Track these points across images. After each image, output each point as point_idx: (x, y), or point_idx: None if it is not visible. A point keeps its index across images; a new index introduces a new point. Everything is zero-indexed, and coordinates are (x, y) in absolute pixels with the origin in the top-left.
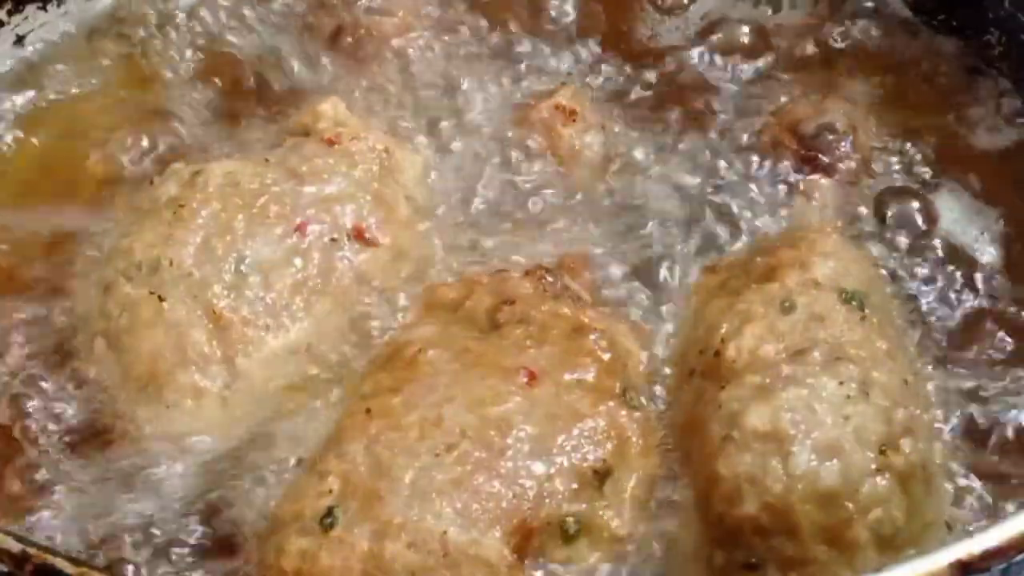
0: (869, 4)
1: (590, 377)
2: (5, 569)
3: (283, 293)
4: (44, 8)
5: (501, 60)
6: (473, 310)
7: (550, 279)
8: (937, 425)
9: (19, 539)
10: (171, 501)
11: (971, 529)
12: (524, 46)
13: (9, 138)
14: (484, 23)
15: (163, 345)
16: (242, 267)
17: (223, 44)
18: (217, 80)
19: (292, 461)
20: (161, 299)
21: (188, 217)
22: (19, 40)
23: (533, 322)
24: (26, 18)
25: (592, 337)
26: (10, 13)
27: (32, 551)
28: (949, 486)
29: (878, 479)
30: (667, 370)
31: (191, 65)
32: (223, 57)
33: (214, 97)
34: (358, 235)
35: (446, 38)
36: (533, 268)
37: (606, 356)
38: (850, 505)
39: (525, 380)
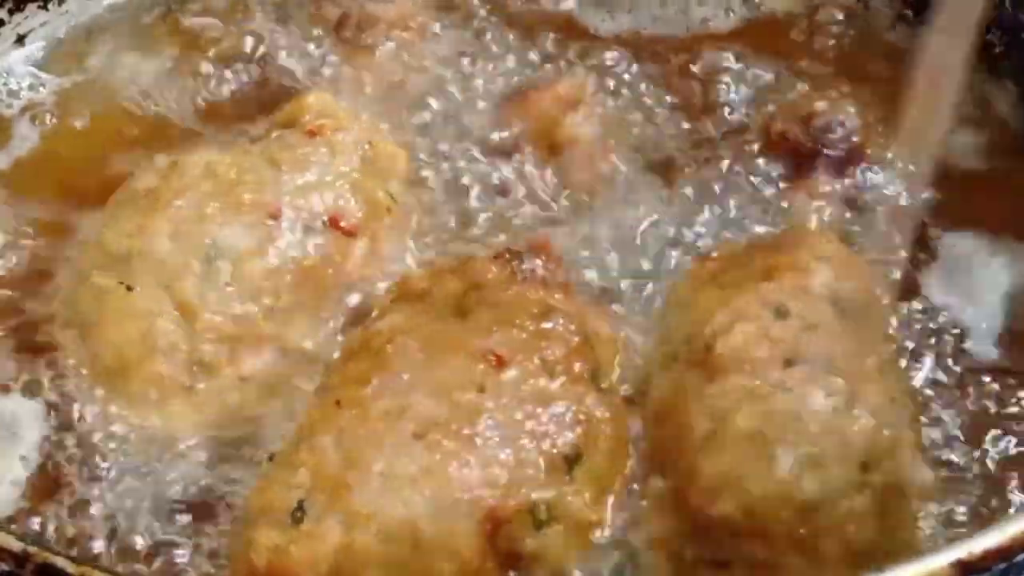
0: (869, 4)
1: (558, 360)
2: (6, 568)
3: (255, 282)
4: (45, 7)
5: (500, 48)
6: (441, 297)
7: (518, 263)
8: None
9: (20, 538)
10: (139, 495)
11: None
12: (525, 34)
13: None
14: (485, 11)
15: (130, 335)
16: (213, 255)
17: (226, 37)
18: (219, 74)
19: (264, 455)
20: (130, 289)
21: (162, 207)
22: (20, 39)
23: (501, 306)
24: (27, 17)
25: (561, 320)
26: (11, 12)
27: (33, 550)
28: (927, 508)
29: (856, 495)
30: (641, 356)
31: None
32: (226, 51)
33: (215, 90)
34: (334, 224)
35: (447, 26)
36: (501, 252)
37: (575, 339)
38: (826, 517)
39: (492, 364)
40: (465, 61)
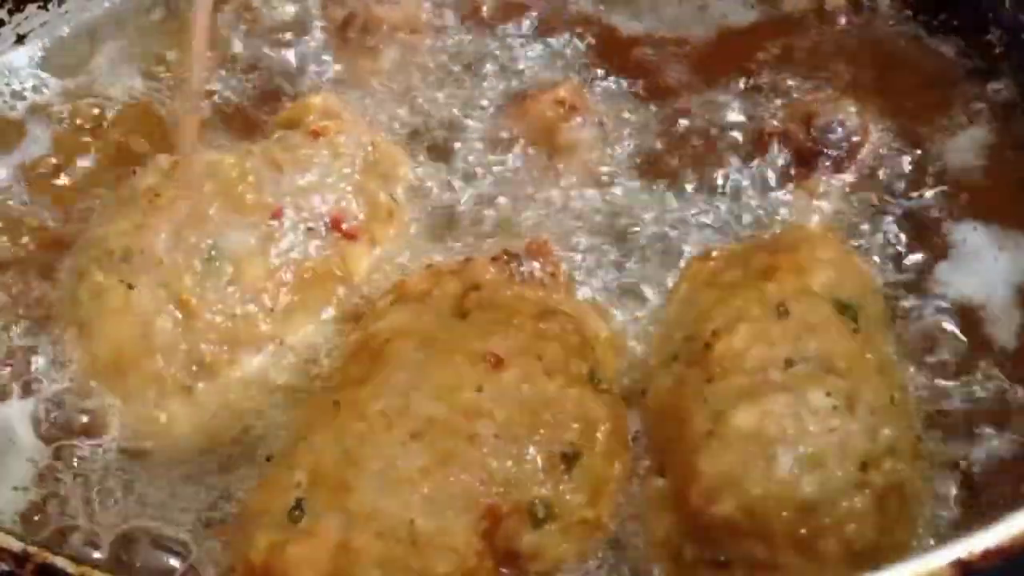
0: (870, 5)
1: (557, 360)
2: (6, 568)
3: (256, 282)
4: (45, 7)
5: (504, 51)
6: (440, 298)
7: (516, 264)
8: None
9: (20, 538)
10: (139, 494)
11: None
12: (527, 39)
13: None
14: (492, 13)
15: (129, 333)
16: (214, 255)
17: (229, 37)
18: (221, 73)
19: (263, 455)
20: (130, 287)
21: (163, 206)
22: (20, 39)
23: (499, 307)
24: (27, 17)
25: (559, 320)
26: (11, 12)
27: (33, 550)
28: (925, 508)
29: (856, 495)
30: (639, 355)
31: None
32: (228, 51)
33: (217, 90)
34: (335, 226)
35: (451, 28)
36: (499, 253)
37: (573, 339)
38: (826, 517)
39: (491, 365)
40: (468, 64)
